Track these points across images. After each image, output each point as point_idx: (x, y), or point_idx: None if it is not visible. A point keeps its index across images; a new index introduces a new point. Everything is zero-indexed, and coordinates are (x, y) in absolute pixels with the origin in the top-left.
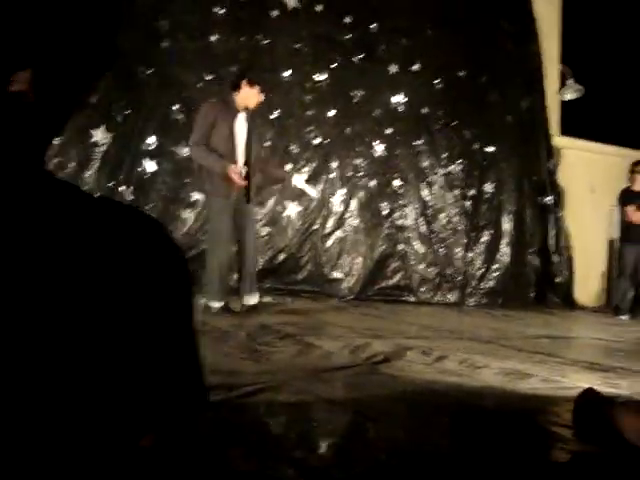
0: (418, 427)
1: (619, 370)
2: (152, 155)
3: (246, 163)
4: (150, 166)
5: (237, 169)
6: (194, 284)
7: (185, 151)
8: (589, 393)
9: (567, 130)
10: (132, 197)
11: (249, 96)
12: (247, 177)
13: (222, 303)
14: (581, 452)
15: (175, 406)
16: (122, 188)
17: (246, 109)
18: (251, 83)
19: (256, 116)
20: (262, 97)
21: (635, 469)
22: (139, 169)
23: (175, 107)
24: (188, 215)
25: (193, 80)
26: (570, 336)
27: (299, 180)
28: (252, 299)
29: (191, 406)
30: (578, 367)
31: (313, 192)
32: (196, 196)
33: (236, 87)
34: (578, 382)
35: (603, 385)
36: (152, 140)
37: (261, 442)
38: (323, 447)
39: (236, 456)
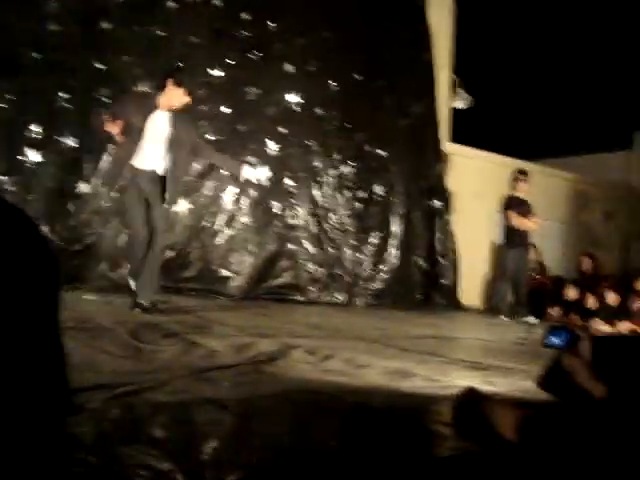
0: (301, 427)
1: (495, 368)
2: (36, 144)
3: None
4: (34, 156)
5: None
6: (59, 280)
7: (71, 141)
8: (468, 392)
9: (456, 138)
10: (13, 188)
11: (173, 96)
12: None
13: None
14: (460, 448)
15: (36, 410)
16: (3, 178)
17: (170, 109)
18: (177, 84)
19: (186, 117)
20: (188, 99)
21: (508, 463)
22: (22, 158)
23: (61, 94)
24: (74, 208)
25: (81, 67)
26: (453, 336)
27: (249, 172)
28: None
29: (54, 410)
30: (459, 366)
31: (264, 175)
32: (82, 188)
33: (161, 86)
34: (459, 381)
35: (482, 383)
36: (37, 128)
37: (137, 443)
38: (202, 448)
39: (108, 457)
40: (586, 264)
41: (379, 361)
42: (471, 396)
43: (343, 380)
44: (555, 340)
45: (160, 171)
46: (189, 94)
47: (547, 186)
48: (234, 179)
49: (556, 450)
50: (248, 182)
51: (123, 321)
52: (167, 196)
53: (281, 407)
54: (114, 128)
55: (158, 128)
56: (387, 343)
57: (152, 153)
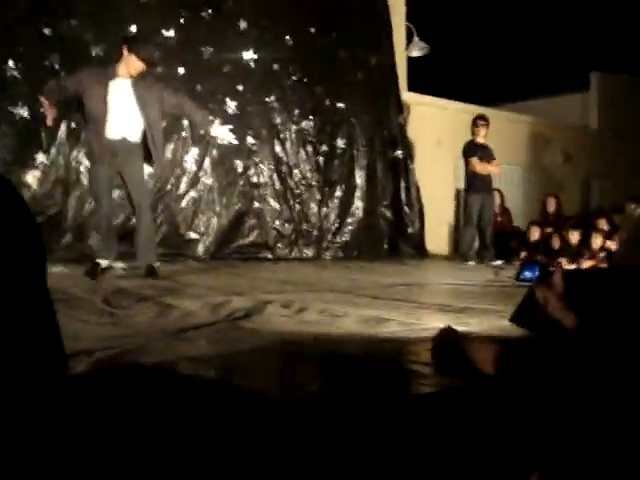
0: (284, 377)
1: (469, 310)
2: None
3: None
4: None
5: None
6: (44, 247)
7: (26, 111)
8: (446, 331)
9: (413, 87)
10: None
11: (130, 64)
12: (144, 140)
13: (108, 261)
14: (440, 385)
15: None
16: None
17: (130, 76)
18: (130, 50)
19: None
20: (142, 65)
21: (489, 395)
22: None
23: (10, 63)
24: (32, 179)
25: (30, 34)
26: (423, 282)
27: (219, 130)
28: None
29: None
30: (432, 310)
31: (231, 136)
32: (40, 158)
33: (118, 55)
34: (433, 323)
35: (456, 324)
36: None
37: (124, 404)
38: (190, 404)
39: (100, 421)
40: (551, 205)
41: (353, 310)
42: (449, 335)
43: (320, 330)
44: (528, 274)
45: (132, 138)
46: (144, 60)
47: (507, 131)
48: (198, 135)
49: (531, 382)
50: (211, 141)
51: (95, 290)
52: (155, 161)
53: (262, 360)
54: (50, 112)
55: (122, 96)
56: (359, 293)
57: (119, 122)
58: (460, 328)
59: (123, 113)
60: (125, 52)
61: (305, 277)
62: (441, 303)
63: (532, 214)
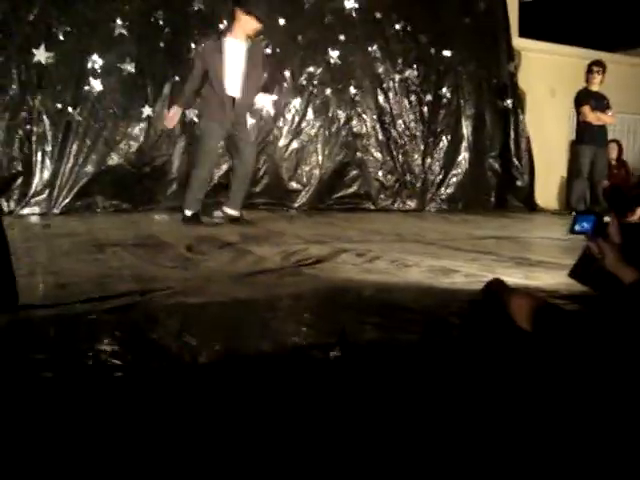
0: (315, 322)
1: (547, 264)
2: (98, 73)
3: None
4: (97, 84)
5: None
6: None
7: (132, 67)
8: (494, 283)
9: (525, 32)
10: (80, 117)
11: (245, 24)
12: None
13: (194, 211)
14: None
15: None
16: (70, 109)
17: (247, 37)
18: (246, 12)
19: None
20: (257, 24)
21: (517, 350)
22: (86, 88)
23: (118, 22)
24: (139, 132)
25: None
26: (516, 236)
27: (264, 99)
28: (234, 212)
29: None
30: (509, 263)
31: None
32: (147, 112)
33: (232, 16)
34: (501, 276)
35: (523, 278)
36: (96, 58)
37: (138, 341)
38: (208, 344)
39: (103, 354)
40: None
41: (427, 260)
42: (496, 286)
43: (381, 278)
44: (582, 226)
45: (246, 99)
46: (258, 19)
47: (629, 77)
48: (300, 86)
49: (568, 340)
50: (312, 90)
51: (184, 236)
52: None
53: (306, 305)
54: (176, 116)
55: (235, 56)
56: (444, 244)
57: (235, 82)
58: (526, 282)
59: (238, 74)
60: (239, 14)
61: (398, 228)
62: (521, 256)
63: None
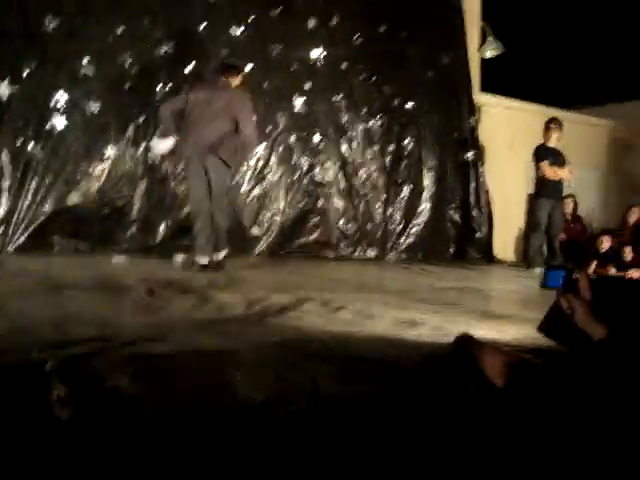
0: (274, 376)
1: (512, 317)
2: (61, 111)
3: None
4: (60, 122)
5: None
6: None
7: (97, 107)
8: (463, 338)
9: (486, 87)
10: (41, 155)
11: (229, 84)
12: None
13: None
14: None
15: None
16: (31, 145)
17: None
18: (228, 77)
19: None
20: (241, 80)
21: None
22: (49, 125)
23: (85, 60)
24: (100, 172)
25: (104, 32)
26: (478, 287)
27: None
28: (220, 254)
29: None
30: (474, 315)
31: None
32: (109, 152)
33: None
34: (467, 329)
35: (491, 331)
36: (61, 95)
37: (95, 392)
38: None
39: (59, 405)
40: (634, 215)
41: (391, 312)
42: (465, 341)
43: (346, 330)
44: (553, 280)
45: (218, 142)
46: (241, 77)
47: (585, 134)
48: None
49: (542, 396)
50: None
51: (144, 280)
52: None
53: (268, 356)
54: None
55: (218, 104)
56: (407, 295)
57: (211, 126)
58: (493, 336)
59: (215, 119)
60: (224, 78)
61: (360, 277)
62: (486, 309)
63: (612, 221)
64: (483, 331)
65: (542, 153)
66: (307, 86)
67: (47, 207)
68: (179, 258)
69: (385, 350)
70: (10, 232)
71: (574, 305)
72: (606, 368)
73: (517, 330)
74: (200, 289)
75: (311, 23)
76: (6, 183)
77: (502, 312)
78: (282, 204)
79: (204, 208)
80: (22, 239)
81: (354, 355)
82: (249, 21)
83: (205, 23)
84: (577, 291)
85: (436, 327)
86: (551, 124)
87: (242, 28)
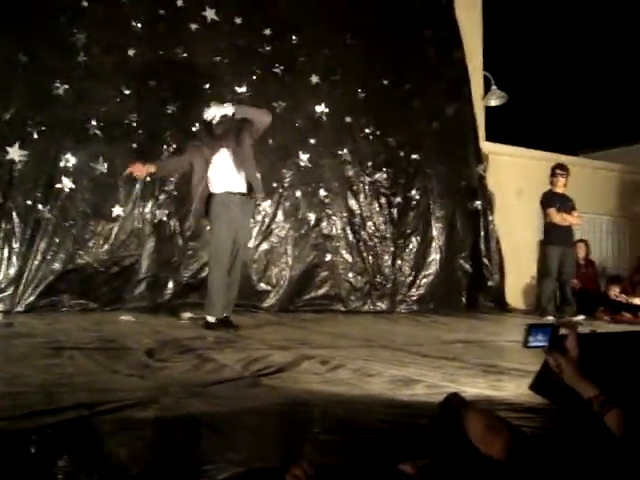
0: (260, 442)
1: (514, 372)
2: (70, 172)
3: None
4: (68, 183)
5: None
6: None
7: (104, 167)
8: (451, 398)
9: (491, 136)
10: (50, 215)
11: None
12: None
13: (216, 317)
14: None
15: None
16: (40, 206)
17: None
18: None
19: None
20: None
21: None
22: (57, 186)
23: (93, 122)
24: (109, 231)
25: (111, 95)
26: (485, 340)
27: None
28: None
29: None
30: (474, 371)
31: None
32: (117, 211)
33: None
34: (464, 387)
35: (489, 388)
36: (69, 156)
37: (77, 463)
38: (151, 467)
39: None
40: None
41: (391, 369)
42: (453, 402)
43: (340, 390)
44: (537, 339)
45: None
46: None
47: (594, 179)
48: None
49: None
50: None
51: (147, 341)
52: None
53: (254, 421)
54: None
55: (224, 160)
56: (411, 350)
57: (231, 176)
58: (491, 393)
59: (228, 171)
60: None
61: (366, 332)
62: (489, 363)
63: (623, 267)
64: (480, 388)
65: (549, 199)
66: (312, 141)
67: (56, 266)
68: (186, 316)
69: (377, 412)
70: (19, 292)
71: (561, 363)
72: (596, 427)
73: (516, 385)
74: (202, 348)
75: (314, 79)
76: (16, 244)
77: (505, 366)
78: (290, 259)
79: (226, 263)
80: (31, 298)
81: (344, 420)
82: (253, 78)
83: (210, 82)
84: (564, 348)
85: (432, 385)
86: (557, 170)
87: (245, 86)
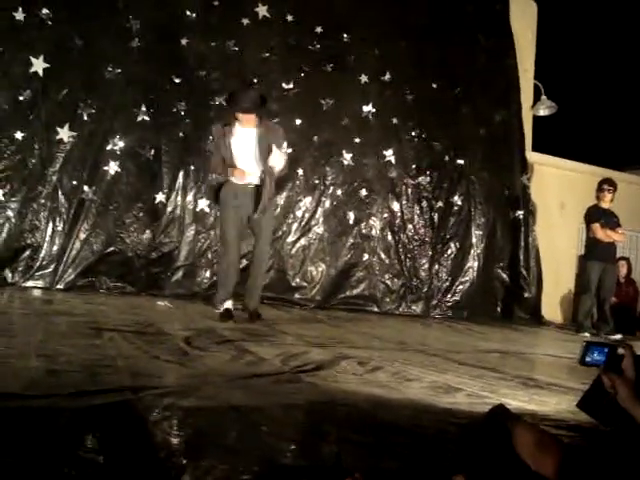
0: (302, 438)
1: (554, 387)
2: (116, 155)
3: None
4: (114, 166)
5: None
6: None
7: (150, 154)
8: (497, 410)
9: (538, 146)
10: (94, 197)
11: (241, 120)
12: (258, 188)
13: (224, 307)
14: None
15: None
16: (85, 188)
17: (256, 125)
18: (231, 107)
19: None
20: (247, 116)
21: None
22: (103, 169)
23: (142, 108)
24: (150, 217)
25: (161, 82)
26: (522, 352)
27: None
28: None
29: None
30: (514, 383)
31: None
32: (160, 198)
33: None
34: (504, 398)
35: (529, 402)
36: (117, 140)
37: (122, 445)
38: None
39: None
40: None
41: (430, 375)
42: (499, 414)
43: (380, 393)
44: (593, 357)
45: (255, 183)
46: (245, 111)
47: (638, 196)
48: (312, 184)
49: None
50: (324, 189)
51: (184, 328)
52: (260, 205)
53: (295, 417)
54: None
55: (245, 144)
56: (448, 356)
57: (246, 168)
58: (532, 407)
59: (249, 160)
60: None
61: (402, 334)
62: (528, 376)
63: None
64: (522, 402)
65: (594, 214)
66: (357, 140)
67: (97, 248)
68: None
69: (417, 418)
70: (60, 270)
71: (617, 385)
72: None
73: (558, 401)
74: (239, 340)
75: (363, 78)
76: (60, 223)
77: (544, 380)
78: (327, 257)
79: (232, 254)
80: (71, 277)
81: (383, 423)
82: (301, 75)
83: (258, 77)
84: (620, 369)
85: (473, 394)
86: (605, 185)
87: (292, 83)
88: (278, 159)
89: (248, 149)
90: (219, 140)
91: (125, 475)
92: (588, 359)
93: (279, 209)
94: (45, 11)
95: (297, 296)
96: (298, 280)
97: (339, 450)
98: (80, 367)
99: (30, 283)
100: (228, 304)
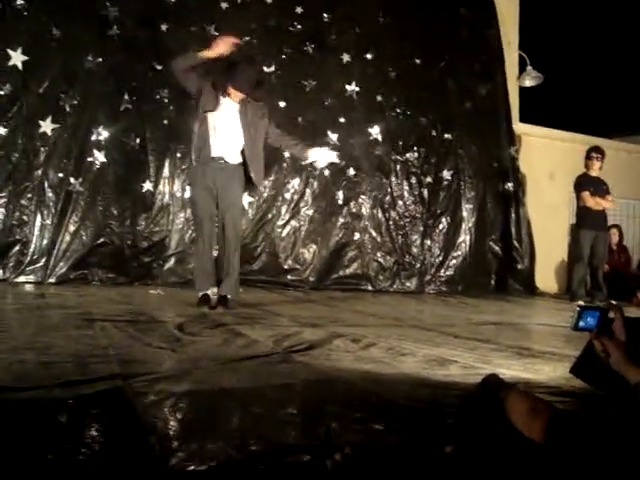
0: (294, 418)
1: (548, 355)
2: (101, 146)
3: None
4: (99, 157)
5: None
6: None
7: (136, 142)
8: (490, 379)
9: (525, 117)
10: (81, 188)
11: (230, 93)
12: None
13: (202, 292)
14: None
15: None
16: (72, 180)
17: (241, 100)
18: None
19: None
20: (239, 93)
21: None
22: (89, 160)
23: (125, 97)
24: (139, 206)
25: (142, 69)
26: (516, 322)
27: (317, 154)
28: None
29: None
30: (508, 353)
31: (332, 156)
32: (147, 186)
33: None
34: (499, 368)
35: (524, 371)
36: (101, 130)
37: (111, 433)
38: (184, 439)
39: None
40: None
41: (424, 348)
42: (493, 383)
43: (374, 368)
44: (586, 322)
45: (232, 160)
46: (238, 89)
47: (628, 163)
48: (299, 166)
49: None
50: (313, 171)
51: (176, 315)
52: (254, 179)
53: (285, 396)
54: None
55: (228, 116)
56: (442, 330)
57: (222, 141)
58: (526, 375)
59: (227, 134)
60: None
61: (395, 311)
62: (522, 346)
63: None
64: (516, 371)
65: (584, 183)
66: (342, 120)
67: (87, 239)
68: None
69: (412, 392)
70: (51, 264)
71: (609, 348)
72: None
73: (551, 369)
74: (232, 324)
75: (345, 57)
76: (48, 216)
77: (539, 349)
78: (319, 237)
79: (206, 235)
80: (63, 270)
81: (378, 398)
82: (283, 57)
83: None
84: (611, 333)
85: (467, 366)
86: (593, 153)
87: (274, 66)
88: (322, 156)
89: (229, 124)
90: (207, 96)
91: (117, 460)
92: (582, 324)
93: (268, 191)
94: (20, 2)
95: (290, 278)
96: (290, 262)
97: (328, 426)
98: (71, 357)
99: (22, 278)
100: (206, 290)
